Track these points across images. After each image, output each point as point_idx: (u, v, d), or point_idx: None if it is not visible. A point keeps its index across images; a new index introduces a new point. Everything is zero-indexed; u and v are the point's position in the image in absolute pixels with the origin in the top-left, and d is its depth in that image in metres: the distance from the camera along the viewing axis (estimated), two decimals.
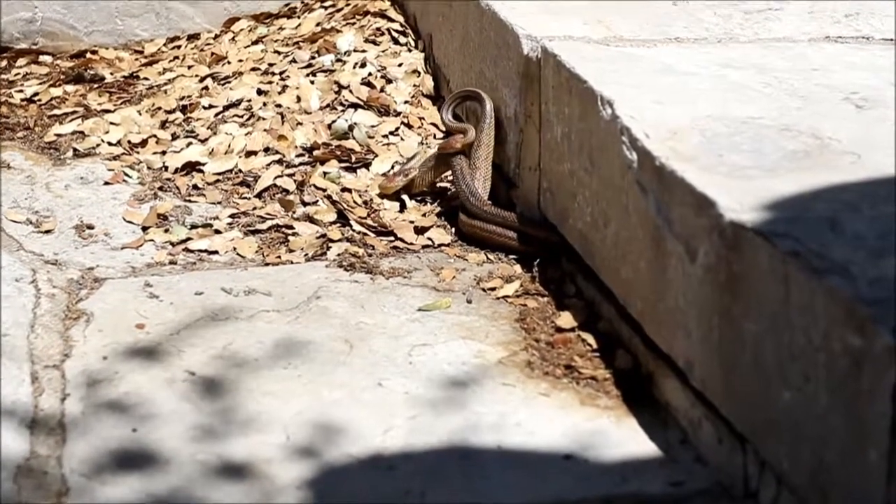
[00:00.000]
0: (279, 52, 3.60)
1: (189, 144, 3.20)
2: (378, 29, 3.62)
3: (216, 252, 2.68)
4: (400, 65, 3.42)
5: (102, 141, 3.28)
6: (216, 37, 3.97)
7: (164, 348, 2.24)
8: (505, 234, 2.65)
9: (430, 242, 2.72)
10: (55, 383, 2.12)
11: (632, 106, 2.17)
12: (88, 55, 3.93)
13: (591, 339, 2.28)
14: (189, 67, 3.72)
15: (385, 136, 3.16)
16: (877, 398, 1.47)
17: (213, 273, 2.57)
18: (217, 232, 2.76)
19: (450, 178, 2.87)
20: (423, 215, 2.85)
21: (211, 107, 3.37)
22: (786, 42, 2.64)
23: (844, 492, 1.55)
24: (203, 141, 3.21)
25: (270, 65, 3.53)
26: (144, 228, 2.78)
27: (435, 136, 3.19)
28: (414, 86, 3.34)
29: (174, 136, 3.27)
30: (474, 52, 2.98)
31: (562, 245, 2.46)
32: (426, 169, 2.92)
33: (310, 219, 2.81)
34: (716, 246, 1.80)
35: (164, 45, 4.01)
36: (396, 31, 3.61)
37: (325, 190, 2.92)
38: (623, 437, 2.00)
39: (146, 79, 3.71)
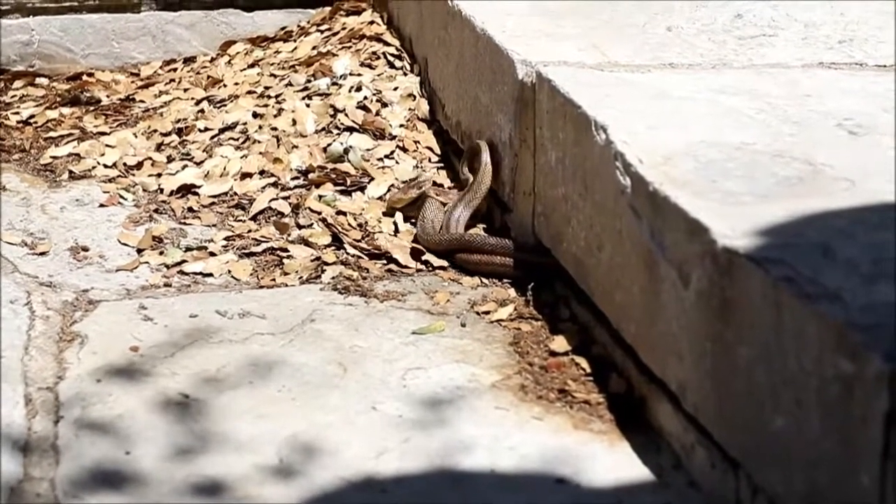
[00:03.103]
0: (275, 76, 3.62)
1: (184, 167, 3.20)
2: (374, 53, 3.64)
3: (211, 274, 2.68)
4: (395, 89, 3.43)
5: (98, 163, 3.28)
6: (212, 60, 3.98)
7: (159, 371, 2.24)
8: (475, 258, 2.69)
9: (424, 266, 2.73)
10: (49, 405, 2.12)
11: (626, 131, 2.18)
12: (85, 78, 3.94)
13: (584, 363, 2.28)
14: (185, 90, 3.73)
15: (380, 160, 3.17)
16: (869, 423, 1.47)
17: (207, 296, 2.57)
18: (212, 254, 2.76)
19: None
20: None
21: (206, 129, 3.38)
22: (779, 68, 2.65)
23: None
24: (198, 164, 3.21)
25: (266, 88, 3.54)
26: (139, 251, 2.78)
27: (430, 160, 3.19)
28: (409, 110, 3.35)
29: (170, 159, 3.27)
30: (469, 76, 3.00)
31: (556, 269, 2.47)
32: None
33: (304, 242, 2.81)
34: (709, 271, 1.81)
35: (160, 67, 4.02)
36: (392, 55, 3.63)
37: (319, 213, 2.93)
38: (616, 462, 2.00)
39: (142, 101, 3.72)
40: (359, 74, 3.50)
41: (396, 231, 2.89)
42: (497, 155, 2.79)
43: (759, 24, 2.96)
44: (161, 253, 2.77)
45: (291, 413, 2.12)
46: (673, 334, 1.94)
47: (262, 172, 3.13)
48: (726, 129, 2.24)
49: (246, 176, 3.12)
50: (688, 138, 2.18)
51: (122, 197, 3.08)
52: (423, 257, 2.74)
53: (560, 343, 2.35)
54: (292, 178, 3.09)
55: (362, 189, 3.05)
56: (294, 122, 3.30)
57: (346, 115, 3.30)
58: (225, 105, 3.49)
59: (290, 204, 2.98)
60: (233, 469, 1.95)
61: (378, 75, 3.51)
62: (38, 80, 3.94)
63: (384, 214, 2.94)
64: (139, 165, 3.26)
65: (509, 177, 2.73)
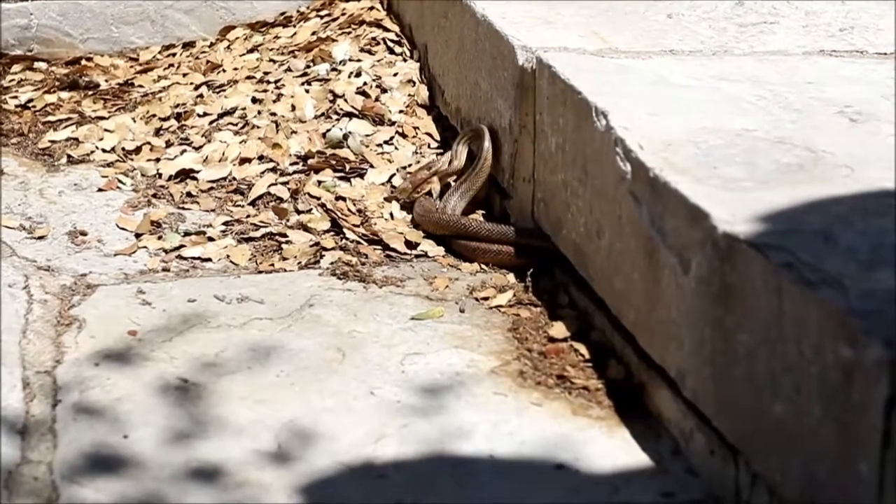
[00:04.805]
0: (274, 61, 3.61)
1: (183, 152, 3.20)
2: (373, 39, 3.63)
3: (209, 259, 2.67)
4: (395, 74, 3.42)
5: (96, 148, 3.28)
6: (211, 45, 3.97)
7: (157, 355, 2.24)
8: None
9: (423, 252, 2.72)
10: (47, 389, 2.12)
11: (626, 117, 2.18)
12: (83, 62, 3.93)
13: (583, 349, 2.28)
14: (184, 75, 3.72)
15: (379, 146, 3.16)
16: (868, 410, 1.47)
17: (206, 280, 2.57)
18: (210, 239, 2.76)
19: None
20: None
21: (205, 114, 3.37)
22: (780, 55, 2.64)
23: None
24: (197, 148, 3.21)
25: (265, 73, 3.53)
26: (138, 235, 2.78)
27: (429, 146, 3.19)
28: (409, 95, 3.35)
29: (168, 144, 3.27)
30: (469, 62, 2.99)
31: (556, 255, 2.46)
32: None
33: (303, 227, 2.81)
34: (709, 257, 1.80)
35: (159, 52, 4.02)
36: (392, 40, 3.62)
37: (318, 198, 2.92)
38: (615, 448, 2.00)
39: (141, 86, 3.71)
40: (358, 60, 3.49)
41: (393, 217, 2.89)
42: (497, 140, 2.79)
43: (761, 11, 2.96)
44: (159, 237, 2.76)
45: (290, 398, 2.12)
46: (672, 320, 1.93)
47: (261, 158, 3.12)
48: (727, 115, 2.23)
49: (245, 161, 3.12)
50: (688, 125, 2.18)
51: (120, 181, 3.08)
52: (420, 247, 2.74)
53: (559, 329, 2.35)
54: (291, 164, 3.09)
55: (361, 175, 3.05)
56: (293, 108, 3.30)
57: (346, 100, 3.29)
58: (224, 90, 3.49)
59: (289, 189, 2.98)
60: (231, 454, 1.95)
61: (378, 61, 3.50)
62: (37, 65, 3.94)
63: (386, 200, 2.94)
64: (138, 150, 3.26)
65: (509, 163, 2.73)
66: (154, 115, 3.43)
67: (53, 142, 3.33)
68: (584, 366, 2.23)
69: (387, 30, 3.68)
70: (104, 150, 3.27)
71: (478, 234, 2.67)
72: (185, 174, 3.09)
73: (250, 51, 3.79)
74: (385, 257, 2.70)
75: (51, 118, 3.51)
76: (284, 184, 3.01)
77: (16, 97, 3.66)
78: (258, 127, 3.23)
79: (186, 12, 4.05)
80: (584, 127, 2.27)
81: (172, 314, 2.40)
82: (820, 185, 1.91)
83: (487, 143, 2.79)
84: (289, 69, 3.50)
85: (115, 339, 2.29)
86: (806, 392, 1.59)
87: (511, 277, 2.58)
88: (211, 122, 3.32)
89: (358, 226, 2.81)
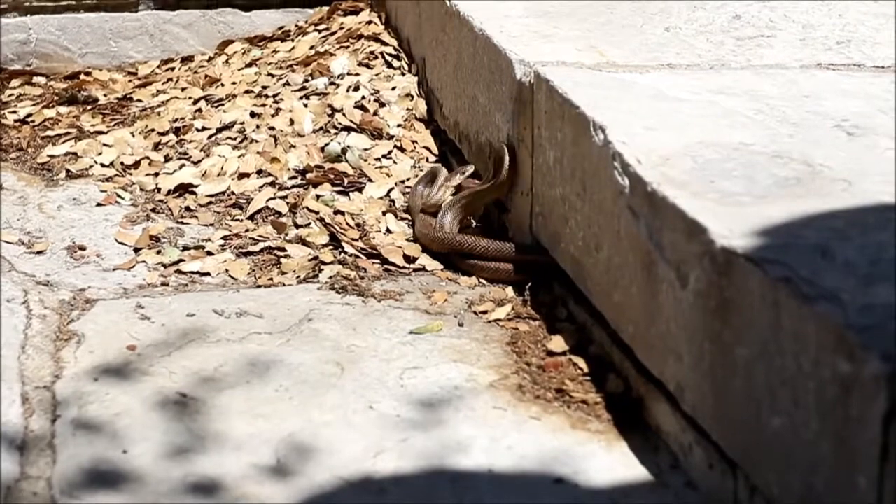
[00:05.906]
0: (273, 75, 3.62)
1: (182, 166, 3.20)
2: (372, 53, 3.64)
3: (208, 274, 2.68)
4: (393, 88, 3.43)
5: (95, 162, 3.28)
6: (210, 59, 3.98)
7: (155, 370, 2.24)
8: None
9: (422, 266, 2.73)
10: (46, 404, 2.12)
11: (624, 131, 2.18)
12: (82, 76, 3.94)
13: (582, 363, 2.28)
14: (182, 89, 3.73)
15: (378, 160, 3.17)
16: (866, 425, 1.47)
17: (204, 295, 2.57)
18: (209, 254, 2.76)
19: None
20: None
21: (204, 129, 3.38)
22: (778, 69, 2.65)
23: None
24: (196, 163, 3.21)
25: (264, 87, 3.54)
26: (136, 250, 2.78)
27: (427, 160, 3.19)
28: (407, 109, 3.35)
29: (167, 158, 3.27)
30: (467, 76, 3.00)
31: (555, 269, 2.47)
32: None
33: (302, 241, 2.81)
34: (707, 272, 1.81)
35: (158, 66, 4.03)
36: (390, 54, 3.63)
37: (317, 212, 2.93)
38: (614, 462, 2.00)
39: (139, 100, 3.72)
40: (356, 74, 3.50)
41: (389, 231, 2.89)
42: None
43: (758, 24, 2.96)
44: (158, 252, 2.77)
45: (289, 412, 2.12)
46: (671, 334, 1.93)
47: (259, 172, 3.13)
48: (724, 129, 2.23)
49: (243, 175, 3.12)
50: (686, 139, 2.18)
51: (119, 196, 3.08)
52: (418, 261, 2.74)
53: (558, 343, 2.35)
54: (290, 178, 3.09)
55: (360, 189, 3.05)
56: (292, 122, 3.30)
57: (344, 114, 3.30)
58: (222, 104, 3.49)
59: (287, 203, 2.98)
60: (230, 468, 1.95)
61: (376, 75, 3.51)
62: (36, 79, 3.95)
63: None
64: (136, 164, 3.26)
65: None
66: (153, 130, 3.44)
67: (52, 156, 3.34)
68: (583, 379, 2.23)
69: (385, 44, 3.69)
70: (103, 165, 3.27)
71: (473, 250, 2.67)
72: (183, 188, 3.10)
73: (249, 65, 3.80)
74: (384, 271, 2.70)
75: (49, 133, 3.51)
76: (283, 198, 3.01)
77: (15, 112, 3.66)
78: (257, 141, 3.24)
79: (185, 27, 4.06)
80: (582, 141, 2.27)
81: (171, 329, 2.40)
82: (817, 199, 1.91)
83: (507, 161, 2.71)
84: (287, 83, 3.51)
85: (114, 354, 2.29)
86: (804, 406, 1.59)
87: (509, 291, 2.59)
88: (209, 137, 3.33)
89: (356, 240, 2.81)
